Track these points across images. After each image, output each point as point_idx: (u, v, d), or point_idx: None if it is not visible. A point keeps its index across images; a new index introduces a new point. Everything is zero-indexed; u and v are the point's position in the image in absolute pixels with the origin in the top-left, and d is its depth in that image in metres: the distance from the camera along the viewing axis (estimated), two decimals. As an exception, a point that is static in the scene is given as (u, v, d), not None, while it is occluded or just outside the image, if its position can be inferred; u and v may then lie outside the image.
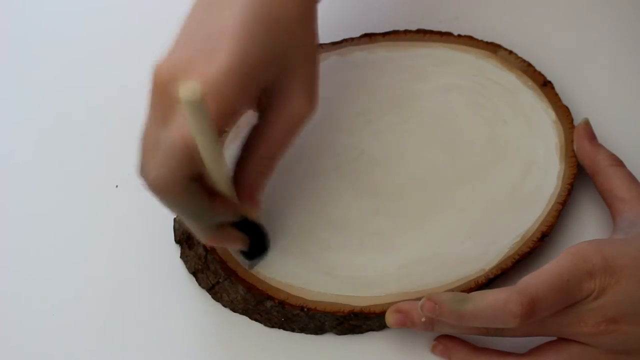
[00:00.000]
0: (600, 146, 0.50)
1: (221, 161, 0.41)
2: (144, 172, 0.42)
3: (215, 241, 0.47)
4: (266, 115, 0.45)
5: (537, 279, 0.41)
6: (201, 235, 0.45)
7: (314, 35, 0.46)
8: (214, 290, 0.49)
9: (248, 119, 0.47)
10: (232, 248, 0.49)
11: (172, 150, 0.40)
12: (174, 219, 0.52)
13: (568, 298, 0.41)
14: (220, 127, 0.41)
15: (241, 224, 0.47)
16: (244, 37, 0.41)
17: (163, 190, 0.41)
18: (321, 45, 0.57)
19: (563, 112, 0.53)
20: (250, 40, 0.42)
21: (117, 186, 0.55)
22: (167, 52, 0.43)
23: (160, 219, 0.52)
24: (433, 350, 0.46)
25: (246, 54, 0.41)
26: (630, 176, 0.48)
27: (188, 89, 0.35)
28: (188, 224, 0.44)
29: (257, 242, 0.49)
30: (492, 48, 0.57)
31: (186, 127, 0.39)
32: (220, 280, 0.49)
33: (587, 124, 0.51)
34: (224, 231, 0.46)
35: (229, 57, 0.41)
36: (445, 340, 0.46)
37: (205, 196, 0.43)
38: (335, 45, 0.58)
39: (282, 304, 0.47)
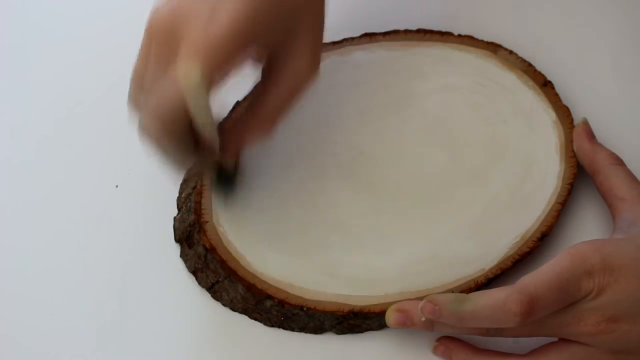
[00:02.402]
0: (600, 145, 0.50)
1: (211, 118, 0.44)
2: (141, 109, 0.44)
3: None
4: (269, 76, 0.46)
5: (536, 278, 0.41)
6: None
7: (322, 2, 0.47)
8: (214, 289, 0.49)
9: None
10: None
11: (167, 100, 0.42)
12: (174, 218, 0.52)
13: (567, 297, 0.41)
14: (214, 81, 0.42)
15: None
16: None
17: (154, 133, 0.43)
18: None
19: (563, 112, 0.53)
20: (255, 2, 0.42)
21: (117, 186, 0.55)
22: None
23: (160, 219, 0.53)
24: (434, 351, 0.46)
25: (249, 16, 0.42)
26: (631, 175, 0.48)
27: (189, 72, 0.39)
28: (170, 164, 0.46)
29: (226, 182, 0.51)
30: (492, 48, 0.57)
31: (180, 90, 0.41)
32: (220, 279, 0.49)
33: (585, 124, 0.51)
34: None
35: (232, 17, 0.41)
36: (446, 341, 0.45)
37: (192, 142, 0.44)
38: (335, 44, 0.58)
39: (281, 303, 0.47)
